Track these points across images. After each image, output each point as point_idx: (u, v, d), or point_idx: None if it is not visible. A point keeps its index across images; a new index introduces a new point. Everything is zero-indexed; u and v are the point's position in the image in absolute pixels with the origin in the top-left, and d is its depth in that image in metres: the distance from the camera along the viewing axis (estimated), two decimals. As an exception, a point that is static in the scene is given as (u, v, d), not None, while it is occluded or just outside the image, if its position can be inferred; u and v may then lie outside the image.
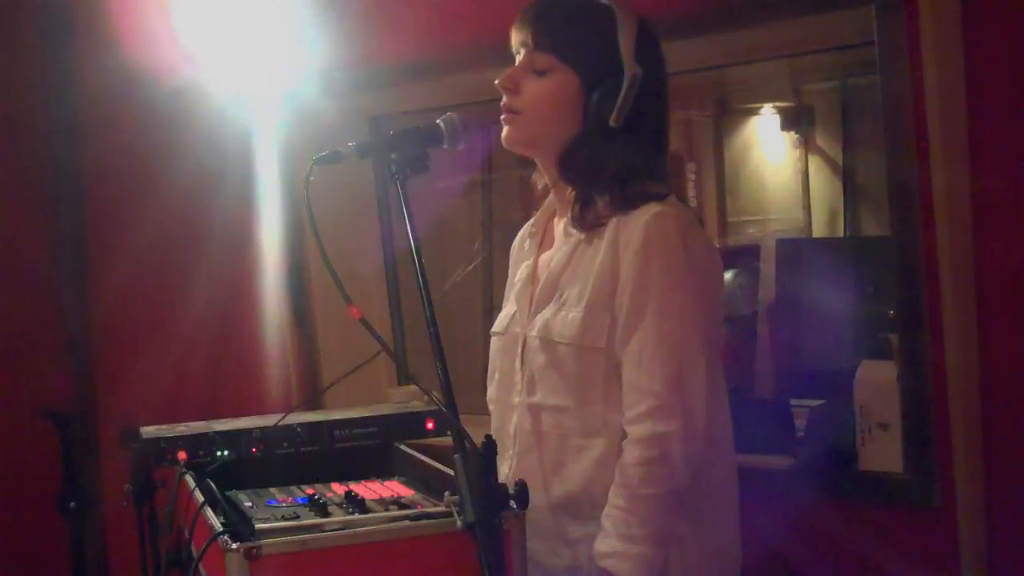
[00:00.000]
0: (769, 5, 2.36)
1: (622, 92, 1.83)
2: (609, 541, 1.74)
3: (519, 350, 1.94)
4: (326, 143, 1.82)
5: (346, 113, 3.13)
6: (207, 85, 3.17)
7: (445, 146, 1.84)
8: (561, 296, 1.88)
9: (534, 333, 1.90)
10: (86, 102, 3.67)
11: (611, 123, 1.84)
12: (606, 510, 1.76)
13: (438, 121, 1.84)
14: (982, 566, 2.15)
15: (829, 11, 2.31)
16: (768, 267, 3.13)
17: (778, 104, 4.41)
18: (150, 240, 3.49)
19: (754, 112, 4.59)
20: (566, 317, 1.85)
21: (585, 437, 1.84)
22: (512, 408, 1.94)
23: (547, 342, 1.87)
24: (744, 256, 3.32)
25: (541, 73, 1.88)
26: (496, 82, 1.91)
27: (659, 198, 1.81)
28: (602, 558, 1.75)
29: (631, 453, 1.76)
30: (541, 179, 2.01)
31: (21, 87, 3.68)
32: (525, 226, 2.10)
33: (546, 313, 1.89)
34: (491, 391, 2.03)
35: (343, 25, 2.98)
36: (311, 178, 1.73)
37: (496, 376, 2.01)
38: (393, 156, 1.77)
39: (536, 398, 1.89)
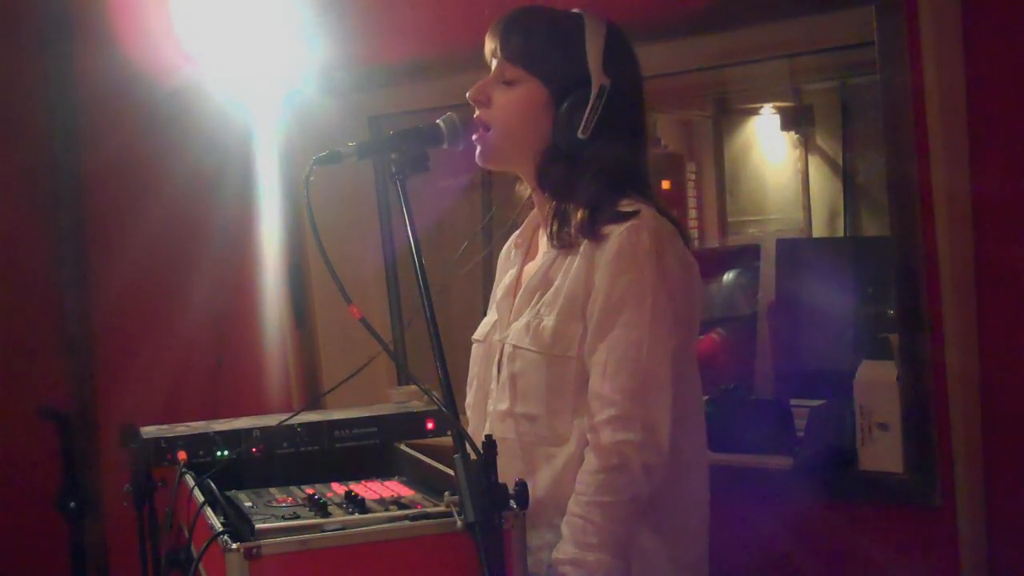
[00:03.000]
0: (769, 5, 2.36)
1: (589, 103, 1.84)
2: (566, 548, 1.75)
3: (497, 358, 1.94)
4: (326, 143, 1.82)
5: (346, 113, 3.13)
6: (207, 85, 3.17)
7: (445, 146, 1.84)
8: (536, 305, 1.89)
9: (510, 341, 1.90)
10: (86, 102, 3.67)
11: (579, 135, 1.85)
12: (565, 517, 1.77)
13: (438, 121, 1.84)
14: (982, 566, 2.15)
15: (829, 11, 2.31)
16: (768, 267, 3.13)
17: (778, 104, 4.41)
18: (150, 240, 3.49)
19: (754, 112, 4.59)
20: (539, 326, 1.85)
21: (554, 445, 1.84)
22: (487, 415, 1.95)
23: (520, 350, 1.87)
24: (744, 256, 3.32)
25: (509, 83, 1.90)
26: (467, 95, 1.92)
27: (630, 217, 1.81)
28: (559, 564, 1.75)
29: (590, 461, 1.77)
30: (526, 190, 2.02)
31: (21, 87, 3.68)
32: (512, 236, 2.10)
33: (521, 321, 1.90)
34: (469, 397, 2.04)
35: (343, 25, 2.98)
36: (311, 178, 1.73)
37: (474, 383, 2.03)
38: (393, 156, 1.77)
39: (508, 405, 1.89)
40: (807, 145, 4.47)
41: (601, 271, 1.80)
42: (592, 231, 1.82)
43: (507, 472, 1.73)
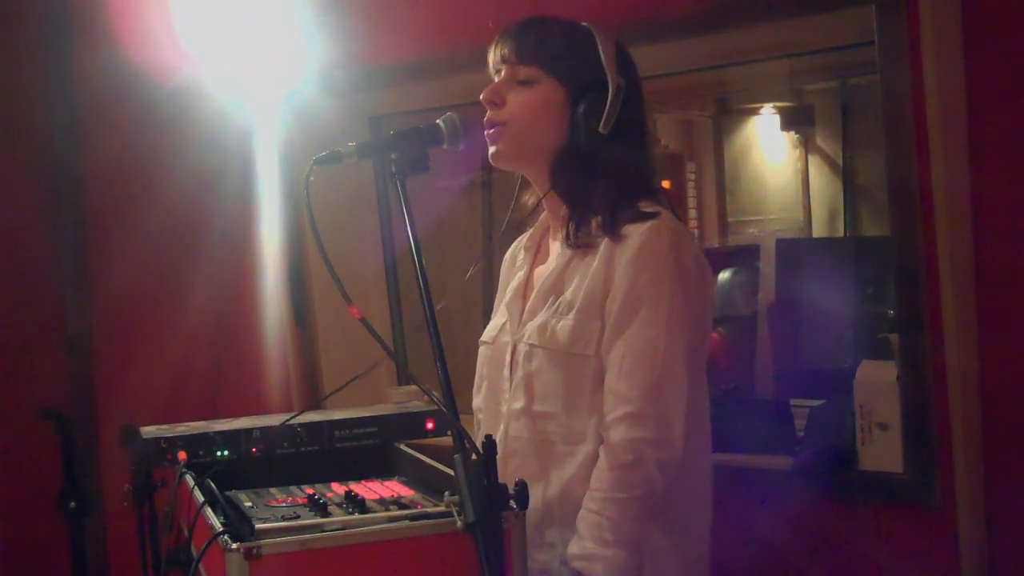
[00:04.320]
0: (769, 5, 2.36)
1: (608, 101, 1.86)
2: (582, 543, 1.75)
3: (508, 359, 1.94)
4: (326, 143, 1.82)
5: (346, 113, 3.13)
6: (207, 85, 3.17)
7: (445, 146, 1.84)
8: (554, 304, 1.89)
9: (524, 340, 1.90)
10: (86, 102, 3.67)
11: (600, 131, 1.86)
12: (580, 513, 1.77)
13: (438, 121, 1.84)
14: (982, 566, 2.15)
15: (829, 11, 2.31)
16: (768, 267, 3.13)
17: (778, 104, 4.42)
18: (150, 240, 3.49)
19: (754, 112, 4.59)
20: (557, 324, 1.86)
21: (571, 444, 1.84)
22: (501, 416, 1.95)
23: (537, 349, 1.88)
24: (744, 256, 3.32)
25: (525, 83, 1.90)
26: (481, 97, 1.92)
27: (651, 218, 1.82)
28: (574, 560, 1.75)
29: (606, 458, 1.77)
30: (532, 197, 2.02)
31: (21, 87, 3.68)
32: (517, 240, 2.11)
33: (537, 320, 1.90)
34: (477, 401, 2.04)
35: (343, 25, 2.98)
36: (311, 178, 1.73)
37: (484, 386, 2.02)
38: (393, 156, 1.77)
39: (524, 404, 1.89)
40: (807, 145, 4.47)
41: (621, 269, 1.81)
42: (613, 230, 1.83)
43: (524, 471, 1.75)
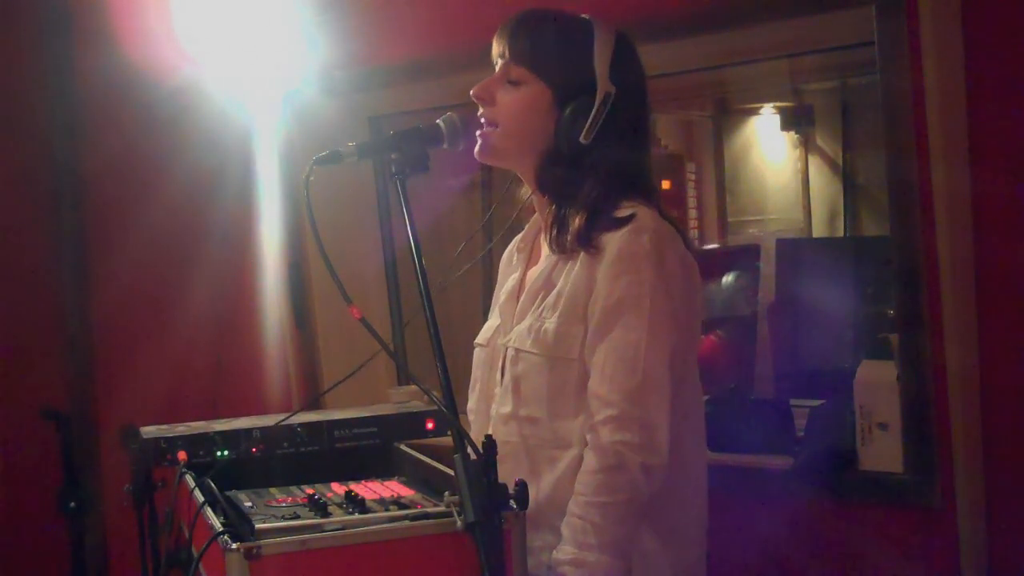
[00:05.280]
0: (769, 5, 2.36)
1: (593, 110, 1.84)
2: (566, 548, 1.75)
3: (500, 362, 1.94)
4: (326, 143, 1.82)
5: (346, 113, 3.13)
6: (207, 85, 3.17)
7: (445, 146, 1.84)
8: (539, 308, 1.89)
9: (512, 344, 1.90)
10: (86, 102, 3.67)
11: (581, 140, 1.85)
12: (565, 518, 1.77)
13: (438, 121, 1.84)
14: (982, 566, 2.15)
15: (829, 11, 2.32)
16: (768, 267, 3.13)
17: (778, 104, 4.42)
18: (150, 240, 3.49)
19: (754, 112, 4.60)
20: (541, 328, 1.85)
21: (558, 448, 1.84)
22: (490, 419, 1.95)
23: (523, 353, 1.87)
24: (744, 256, 3.32)
25: (514, 83, 1.90)
26: (471, 92, 1.92)
27: (627, 222, 1.80)
28: (559, 565, 1.75)
29: (589, 461, 1.76)
30: (526, 192, 2.02)
31: (21, 87, 3.68)
32: (514, 240, 2.10)
33: (524, 324, 1.90)
34: (472, 402, 2.03)
35: (343, 25, 2.99)
36: (311, 178, 1.73)
37: (477, 387, 2.02)
38: (393, 156, 1.77)
39: (511, 409, 1.89)
40: (807, 145, 4.48)
41: (601, 273, 1.80)
42: (587, 241, 1.82)
43: (513, 475, 1.73)
